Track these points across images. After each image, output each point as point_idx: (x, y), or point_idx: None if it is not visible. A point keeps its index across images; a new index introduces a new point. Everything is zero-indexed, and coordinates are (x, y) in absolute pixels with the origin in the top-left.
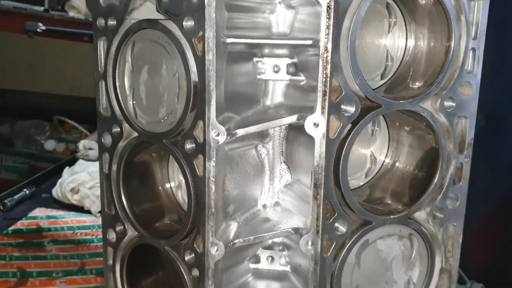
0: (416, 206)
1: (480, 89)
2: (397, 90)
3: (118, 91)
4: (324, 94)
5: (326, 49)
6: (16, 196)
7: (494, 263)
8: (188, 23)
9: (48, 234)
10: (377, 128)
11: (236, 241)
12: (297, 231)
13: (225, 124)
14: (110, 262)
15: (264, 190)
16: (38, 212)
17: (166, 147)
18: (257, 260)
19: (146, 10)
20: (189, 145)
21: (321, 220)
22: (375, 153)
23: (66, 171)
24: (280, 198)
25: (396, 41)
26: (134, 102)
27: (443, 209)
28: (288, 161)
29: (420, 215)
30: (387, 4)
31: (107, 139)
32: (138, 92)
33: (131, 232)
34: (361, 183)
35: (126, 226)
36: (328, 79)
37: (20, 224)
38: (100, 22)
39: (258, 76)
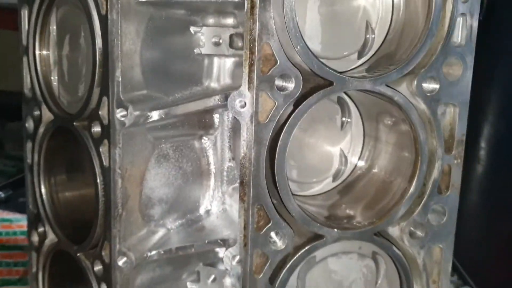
0: (384, 219)
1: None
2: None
3: (38, 67)
4: (251, 64)
5: (252, 3)
6: None
7: None
8: None
9: None
10: (348, 120)
11: (152, 252)
12: (225, 243)
13: (139, 103)
14: (34, 269)
15: (208, 193)
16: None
17: (75, 131)
18: (197, 278)
19: None
20: (95, 128)
21: (249, 229)
22: (346, 151)
23: None
24: (227, 203)
25: (379, 7)
26: (57, 78)
27: (423, 225)
28: (236, 157)
29: (394, 231)
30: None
31: (30, 124)
32: (61, 67)
33: (51, 235)
34: (328, 188)
35: (45, 227)
36: (256, 44)
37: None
38: None
39: (195, 50)
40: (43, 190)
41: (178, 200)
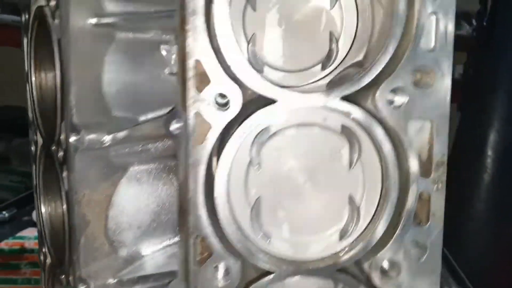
0: (346, 254)
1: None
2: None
3: (33, 91)
4: (183, 82)
5: (182, 17)
6: None
7: None
8: (52, 3)
9: (29, 256)
10: (356, 155)
11: (116, 280)
12: (173, 275)
13: (97, 127)
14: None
15: None
16: (29, 231)
17: (53, 155)
18: None
19: None
20: (60, 153)
21: (190, 262)
22: (357, 199)
23: None
24: None
25: (342, 17)
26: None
27: (398, 262)
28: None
29: (364, 267)
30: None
31: (33, 147)
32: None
33: (50, 256)
34: (337, 249)
35: (45, 248)
36: (189, 61)
37: (4, 244)
38: (22, 18)
39: (166, 70)
40: (43, 210)
41: (153, 226)
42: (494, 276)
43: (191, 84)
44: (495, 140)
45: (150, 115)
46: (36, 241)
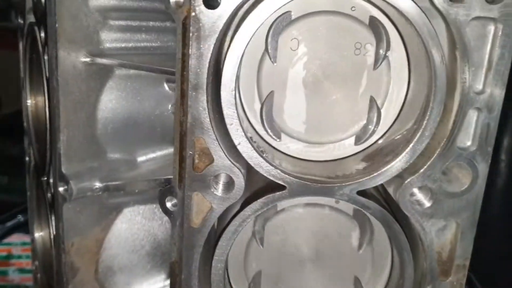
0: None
1: None
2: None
3: (29, 115)
4: (182, 160)
5: (182, 91)
6: (9, 223)
7: None
8: (41, 35)
9: (17, 262)
10: (368, 236)
11: None
12: None
13: (88, 174)
14: None
15: None
16: (16, 237)
17: (43, 185)
18: None
19: None
20: (48, 194)
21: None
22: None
23: None
24: None
25: (388, 82)
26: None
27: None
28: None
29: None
30: (372, 20)
31: (28, 158)
32: None
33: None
34: None
35: (36, 264)
36: (187, 138)
37: None
38: (19, 20)
39: (169, 107)
40: (35, 227)
41: (146, 268)
42: (507, 280)
43: (189, 162)
44: (509, 145)
45: (150, 155)
46: (24, 247)
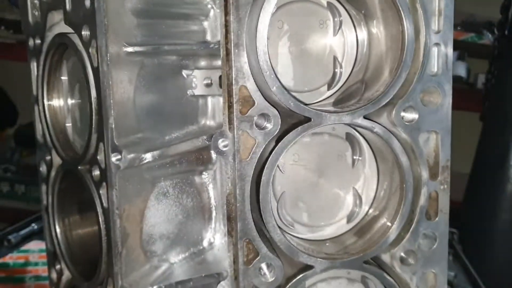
0: (371, 248)
1: None
2: (351, 102)
3: (47, 115)
4: (230, 106)
5: (227, 50)
6: (22, 232)
7: None
8: (85, 33)
9: (33, 269)
10: (359, 158)
11: (154, 287)
12: (220, 276)
13: (133, 147)
14: None
15: (210, 226)
16: (33, 245)
17: (80, 174)
18: None
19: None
20: (95, 172)
21: (239, 263)
22: (361, 192)
23: None
24: None
25: (344, 44)
26: (71, 125)
27: (414, 252)
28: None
29: (385, 258)
30: (329, 3)
31: (43, 168)
32: (74, 114)
33: (67, 272)
34: (344, 230)
35: (61, 264)
36: (233, 87)
37: (8, 258)
38: (30, 42)
39: (188, 92)
40: (57, 229)
41: (180, 235)
42: None
43: (237, 107)
44: None
45: (174, 134)
46: (41, 254)
